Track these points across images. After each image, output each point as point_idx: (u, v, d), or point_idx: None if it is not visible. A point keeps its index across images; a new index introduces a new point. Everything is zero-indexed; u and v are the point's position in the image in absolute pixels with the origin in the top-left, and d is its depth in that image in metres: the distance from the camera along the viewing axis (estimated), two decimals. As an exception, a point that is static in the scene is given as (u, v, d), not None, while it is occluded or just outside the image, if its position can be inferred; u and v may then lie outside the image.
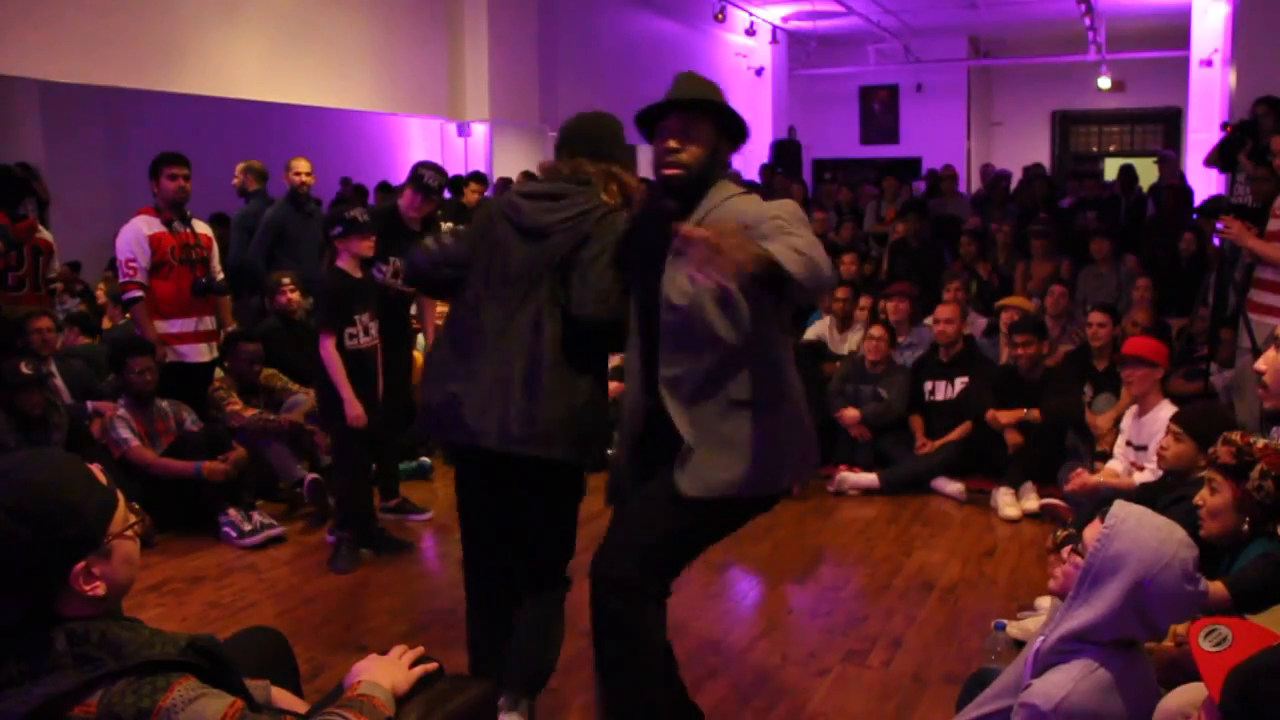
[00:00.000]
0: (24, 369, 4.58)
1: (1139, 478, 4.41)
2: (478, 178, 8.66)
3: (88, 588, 1.61)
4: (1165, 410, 4.25)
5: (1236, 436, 2.82)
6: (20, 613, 1.59)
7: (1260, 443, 2.79)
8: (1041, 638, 2.18)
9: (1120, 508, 2.13)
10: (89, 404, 5.35)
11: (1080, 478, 4.35)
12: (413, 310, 5.44)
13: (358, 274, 4.40)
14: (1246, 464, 2.74)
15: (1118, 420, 4.94)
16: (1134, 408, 4.62)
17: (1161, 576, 1.99)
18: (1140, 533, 2.03)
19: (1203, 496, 2.84)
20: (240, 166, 6.87)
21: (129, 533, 1.69)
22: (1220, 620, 1.87)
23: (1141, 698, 2.08)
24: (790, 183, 10.89)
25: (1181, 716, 1.99)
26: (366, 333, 4.44)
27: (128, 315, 5.99)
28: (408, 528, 4.97)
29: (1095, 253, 7.76)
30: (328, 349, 4.30)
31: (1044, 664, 2.13)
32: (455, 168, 9.94)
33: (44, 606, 1.61)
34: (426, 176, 4.98)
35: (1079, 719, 2.01)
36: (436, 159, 11.24)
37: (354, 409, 4.31)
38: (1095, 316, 5.73)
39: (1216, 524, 2.81)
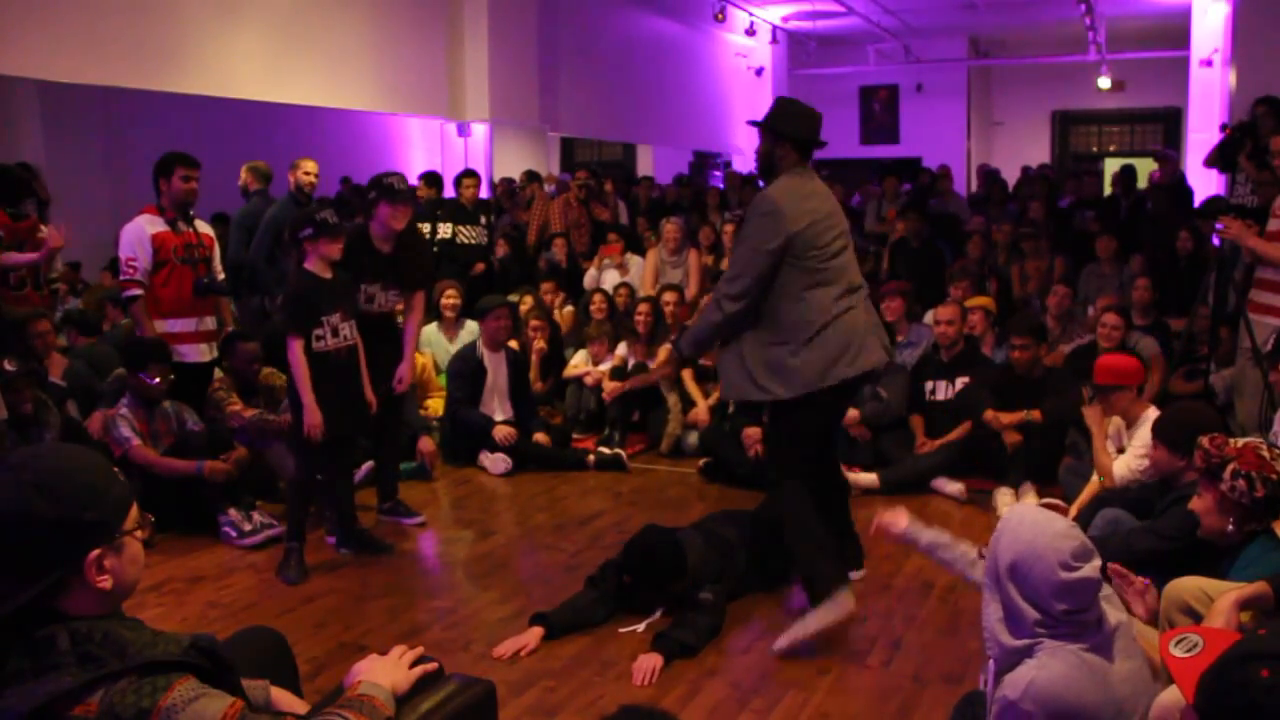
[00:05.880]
0: (8, 365, 4.56)
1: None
2: (469, 174, 8.63)
3: (98, 579, 1.63)
4: (1153, 414, 4.16)
5: (1206, 441, 2.82)
6: (30, 599, 1.60)
7: (1237, 443, 2.80)
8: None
9: (1011, 510, 2.35)
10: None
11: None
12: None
13: (327, 275, 4.30)
14: (1217, 466, 2.75)
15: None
16: (1120, 423, 4.51)
17: (1035, 568, 2.13)
18: (1020, 530, 2.19)
19: (1194, 502, 2.88)
20: (245, 166, 6.89)
21: (138, 533, 1.72)
22: (1190, 629, 1.96)
23: (1114, 686, 2.13)
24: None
25: (1177, 710, 2.00)
26: (335, 334, 4.31)
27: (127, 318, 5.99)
28: (402, 530, 4.95)
29: (1100, 252, 7.74)
30: (295, 352, 4.20)
31: (1007, 664, 2.20)
32: (455, 167, 9.94)
33: (52, 598, 1.62)
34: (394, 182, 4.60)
35: (1046, 702, 2.09)
36: (436, 159, 11.25)
37: (312, 416, 4.19)
38: (1109, 319, 5.64)
39: (1207, 526, 2.85)
